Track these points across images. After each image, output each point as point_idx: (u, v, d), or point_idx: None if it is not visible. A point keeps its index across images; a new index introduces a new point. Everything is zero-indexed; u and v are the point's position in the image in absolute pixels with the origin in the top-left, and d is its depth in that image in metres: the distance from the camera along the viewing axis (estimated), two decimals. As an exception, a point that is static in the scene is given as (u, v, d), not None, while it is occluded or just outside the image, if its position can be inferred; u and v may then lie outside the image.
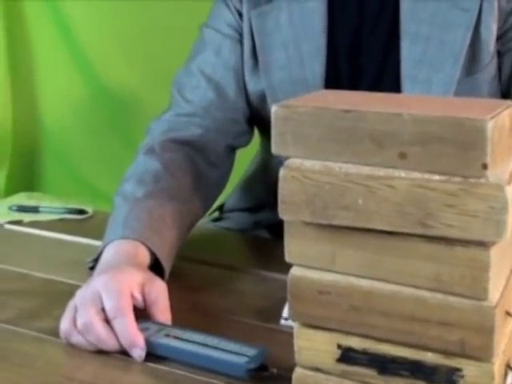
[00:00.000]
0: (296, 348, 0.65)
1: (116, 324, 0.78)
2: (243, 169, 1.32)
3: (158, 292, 0.84)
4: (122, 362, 0.78)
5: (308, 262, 0.62)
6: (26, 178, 2.04)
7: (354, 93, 0.66)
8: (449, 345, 0.58)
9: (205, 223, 1.23)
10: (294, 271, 0.64)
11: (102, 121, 2.03)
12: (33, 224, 1.20)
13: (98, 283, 0.81)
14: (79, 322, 0.79)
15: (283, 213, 0.61)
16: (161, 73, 1.93)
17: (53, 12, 1.99)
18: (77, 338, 0.80)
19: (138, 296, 0.82)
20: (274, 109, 0.61)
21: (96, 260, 0.95)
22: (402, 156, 0.56)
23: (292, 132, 0.60)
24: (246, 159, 1.31)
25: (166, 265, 0.94)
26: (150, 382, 0.75)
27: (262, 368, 0.74)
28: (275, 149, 0.62)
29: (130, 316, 0.79)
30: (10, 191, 1.69)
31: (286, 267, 1.04)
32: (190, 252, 1.02)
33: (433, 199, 0.56)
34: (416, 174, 0.56)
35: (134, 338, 0.78)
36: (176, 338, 0.79)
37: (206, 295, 0.95)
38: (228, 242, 1.19)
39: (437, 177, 0.56)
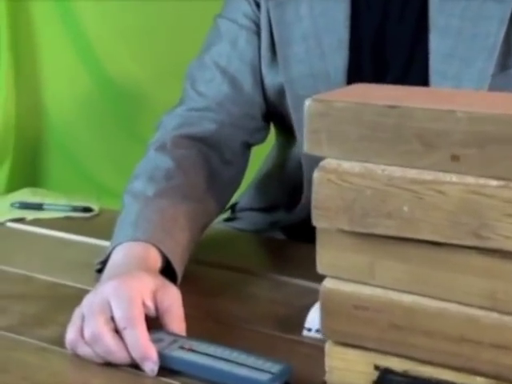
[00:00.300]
0: (327, 367, 0.60)
1: (126, 335, 0.72)
2: (256, 166, 1.26)
3: (172, 300, 0.78)
4: (133, 376, 0.72)
5: (343, 273, 0.56)
6: (29, 173, 1.98)
7: (395, 87, 0.60)
8: (502, 369, 0.52)
9: (216, 223, 1.17)
10: (327, 283, 0.58)
11: (108, 115, 1.96)
12: (36, 222, 1.14)
13: (107, 290, 0.75)
14: (87, 332, 0.73)
15: (317, 219, 0.55)
16: (168, 66, 1.88)
17: (58, 4, 1.93)
18: (84, 350, 0.74)
19: (150, 304, 0.76)
20: (307, 103, 0.55)
21: (104, 262, 0.89)
22: (455, 158, 0.50)
23: (328, 129, 0.54)
24: (259, 156, 1.25)
25: (179, 269, 0.88)
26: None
27: (286, 386, 0.68)
28: (308, 147, 0.56)
29: (142, 326, 0.73)
30: (12, 187, 1.62)
31: (304, 272, 0.99)
32: (200, 254, 0.96)
33: (489, 207, 0.50)
34: (470, 179, 0.50)
35: (145, 350, 0.72)
36: (191, 350, 0.73)
37: (220, 301, 0.89)
38: (241, 243, 1.12)
39: (494, 182, 0.50)
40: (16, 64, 1.96)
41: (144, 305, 0.75)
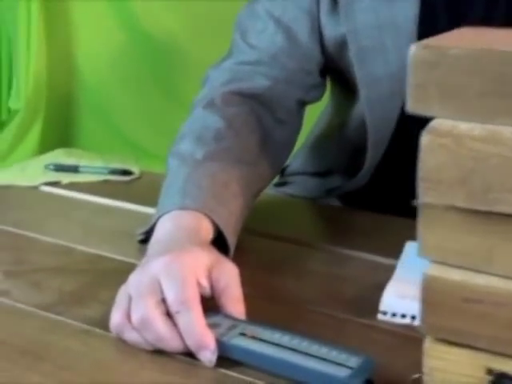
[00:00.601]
0: (426, 369, 0.50)
1: (180, 320, 0.63)
2: (307, 127, 1.15)
3: (229, 278, 0.68)
4: (187, 366, 0.63)
5: (452, 259, 0.46)
6: (62, 134, 1.89)
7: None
8: None
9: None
10: (431, 271, 0.48)
11: (144, 72, 1.87)
12: (72, 186, 1.05)
13: (157, 267, 0.66)
14: (135, 316, 0.64)
15: (425, 193, 0.45)
16: (207, 19, 1.77)
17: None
18: (131, 335, 0.65)
19: (205, 283, 0.67)
20: (412, 51, 0.45)
21: (148, 233, 0.80)
22: None
23: (440, 83, 0.44)
24: (310, 116, 1.14)
25: (232, 242, 0.79)
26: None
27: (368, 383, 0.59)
28: (412, 105, 0.45)
29: (198, 310, 0.64)
30: (44, 148, 1.54)
31: (369, 244, 0.89)
32: (249, 222, 0.86)
33: None
34: None
35: (202, 337, 0.63)
36: (254, 338, 0.64)
37: (276, 278, 0.79)
38: (294, 211, 1.02)
39: None
40: (47, 18, 1.86)
41: (198, 284, 0.66)
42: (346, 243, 0.87)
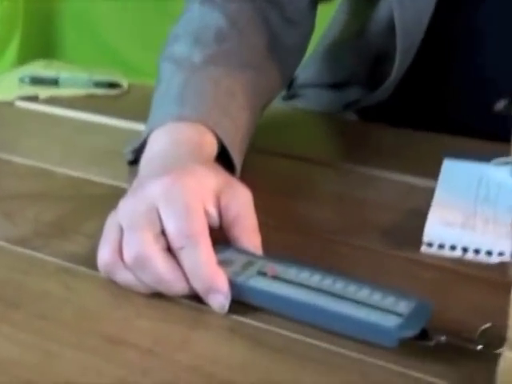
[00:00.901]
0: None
1: (185, 256, 0.51)
2: (318, 31, 1.01)
3: (241, 205, 0.56)
4: (193, 313, 0.51)
5: None
6: (43, 47, 1.74)
7: None
8: None
9: (274, 101, 0.94)
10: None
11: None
12: (51, 101, 0.91)
13: (155, 192, 0.53)
14: (128, 253, 0.51)
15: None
16: None
17: None
18: (124, 276, 0.52)
19: (213, 211, 0.54)
20: None
21: (138, 151, 0.67)
22: None
23: None
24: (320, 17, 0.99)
25: (238, 161, 0.66)
26: (237, 347, 0.48)
27: (422, 335, 0.47)
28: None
29: (206, 244, 0.51)
30: (23, 62, 1.39)
31: (397, 163, 0.76)
32: (259, 139, 0.73)
33: None
34: None
35: (212, 277, 0.50)
36: (276, 278, 0.51)
37: (294, 203, 0.67)
38: (309, 126, 0.89)
39: None
40: None
41: (206, 213, 0.54)
42: (372, 162, 0.74)
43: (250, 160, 0.69)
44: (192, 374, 0.46)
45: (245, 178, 0.62)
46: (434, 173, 0.69)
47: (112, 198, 0.57)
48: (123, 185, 0.66)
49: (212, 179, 0.56)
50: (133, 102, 0.91)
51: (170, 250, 0.52)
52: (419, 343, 0.46)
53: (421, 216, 0.61)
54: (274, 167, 0.75)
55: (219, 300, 0.51)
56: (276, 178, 0.72)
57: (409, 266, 0.57)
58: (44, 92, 0.93)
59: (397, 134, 0.82)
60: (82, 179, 0.71)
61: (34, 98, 0.92)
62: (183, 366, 0.46)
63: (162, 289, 0.52)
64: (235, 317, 0.51)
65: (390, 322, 0.46)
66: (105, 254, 0.52)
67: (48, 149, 0.78)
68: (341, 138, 0.87)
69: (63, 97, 0.92)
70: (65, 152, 0.77)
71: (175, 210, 0.52)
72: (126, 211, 0.53)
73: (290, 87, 1.01)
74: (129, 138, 0.71)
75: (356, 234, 0.61)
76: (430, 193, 0.65)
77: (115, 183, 0.69)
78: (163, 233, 0.52)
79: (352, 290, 0.49)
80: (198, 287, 0.51)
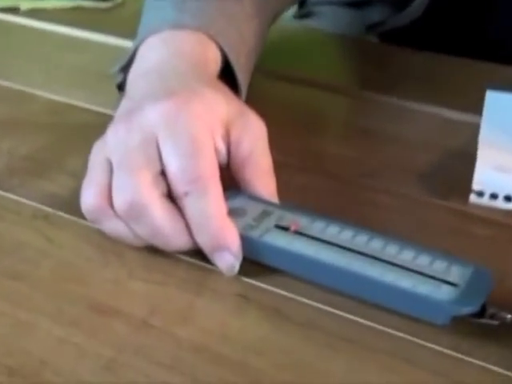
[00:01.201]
0: None
1: (190, 205, 0.41)
2: None
3: (255, 140, 0.46)
4: (198, 275, 0.42)
5: None
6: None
7: None
8: None
9: (284, 20, 0.83)
10: None
11: None
12: (34, 14, 0.80)
13: (154, 119, 0.43)
14: (120, 200, 0.42)
15: None
16: None
17: None
18: (114, 226, 0.43)
19: (222, 148, 0.45)
20: None
21: (127, 68, 0.56)
22: None
23: None
24: None
25: (244, 82, 0.55)
26: (250, 320, 0.39)
27: (481, 311, 0.38)
28: None
29: (216, 191, 0.42)
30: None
31: (432, 94, 0.66)
32: (268, 61, 0.63)
33: None
34: None
35: (221, 231, 0.41)
36: (298, 233, 0.42)
37: (313, 138, 0.57)
38: (324, 48, 0.78)
39: None
40: None
41: (215, 150, 0.44)
42: (401, 92, 0.64)
43: (256, 84, 0.59)
44: (195, 354, 0.37)
45: (251, 106, 0.51)
46: (474, 106, 0.59)
47: (101, 127, 0.47)
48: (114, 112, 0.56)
49: (223, 106, 0.46)
50: (127, 17, 0.80)
51: (170, 195, 0.42)
52: (477, 321, 0.37)
53: (466, 158, 0.52)
54: (287, 94, 0.65)
55: (228, 259, 0.41)
56: (289, 108, 0.62)
57: (455, 220, 0.47)
58: (25, 3, 0.82)
59: (428, 59, 0.72)
60: (66, 104, 0.61)
61: (14, 10, 0.81)
62: (185, 343, 0.37)
63: (159, 243, 0.42)
64: (248, 280, 0.42)
65: (442, 293, 0.38)
66: (90, 199, 0.43)
67: (28, 68, 0.68)
68: (363, 63, 0.76)
69: (47, 9, 0.81)
70: (47, 72, 0.67)
71: (180, 145, 0.42)
72: (116, 144, 0.43)
73: (303, 4, 0.90)
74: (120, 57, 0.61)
75: (391, 178, 0.51)
76: (472, 130, 0.56)
77: (104, 110, 0.59)
78: (163, 173, 0.42)
79: (392, 251, 0.40)
80: (204, 243, 0.42)
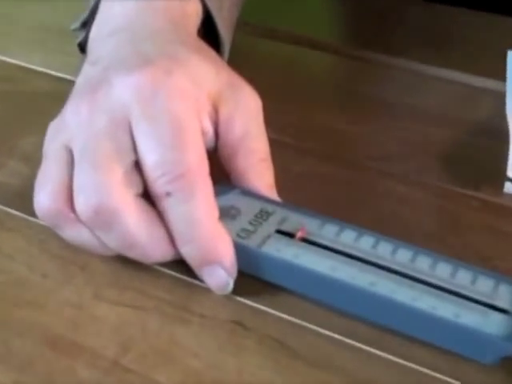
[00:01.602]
0: None
1: (172, 208, 0.33)
2: None
3: (249, 120, 0.37)
4: (182, 293, 0.34)
5: None
6: None
7: None
8: None
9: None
10: None
11: None
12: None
13: (124, 95, 0.34)
14: (83, 203, 0.33)
15: None
16: None
17: None
18: (76, 233, 0.34)
19: (209, 127, 0.36)
20: None
21: (87, 24, 0.46)
22: None
23: None
24: None
25: (227, 39, 0.46)
26: (250, 356, 0.31)
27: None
28: None
29: (205, 189, 0.33)
30: None
31: (445, 55, 0.57)
32: (249, 14, 0.54)
33: None
34: None
35: (211, 242, 0.33)
36: (306, 241, 0.34)
37: (315, 111, 0.49)
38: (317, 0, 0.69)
39: None
40: None
41: (202, 132, 0.35)
42: (412, 54, 0.55)
43: (239, 42, 0.50)
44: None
45: (235, 69, 0.42)
46: (499, 70, 0.51)
47: (61, 98, 0.38)
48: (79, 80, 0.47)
49: (211, 77, 0.37)
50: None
51: (146, 193, 0.34)
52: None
53: (492, 134, 0.44)
54: (277, 55, 0.56)
55: (220, 275, 0.33)
56: (280, 72, 0.53)
57: (488, 216, 0.39)
58: None
59: (442, 14, 0.63)
60: (20, 68, 0.52)
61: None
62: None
63: (134, 255, 0.34)
64: (245, 302, 0.34)
65: (491, 324, 0.30)
66: (45, 201, 0.34)
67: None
68: (365, 19, 0.67)
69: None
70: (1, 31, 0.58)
71: (158, 130, 0.33)
72: (77, 127, 0.34)
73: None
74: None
75: (406, 164, 0.43)
76: (499, 99, 0.47)
77: (68, 76, 0.50)
78: (137, 165, 0.34)
79: (424, 264, 0.32)
80: (190, 255, 0.33)
